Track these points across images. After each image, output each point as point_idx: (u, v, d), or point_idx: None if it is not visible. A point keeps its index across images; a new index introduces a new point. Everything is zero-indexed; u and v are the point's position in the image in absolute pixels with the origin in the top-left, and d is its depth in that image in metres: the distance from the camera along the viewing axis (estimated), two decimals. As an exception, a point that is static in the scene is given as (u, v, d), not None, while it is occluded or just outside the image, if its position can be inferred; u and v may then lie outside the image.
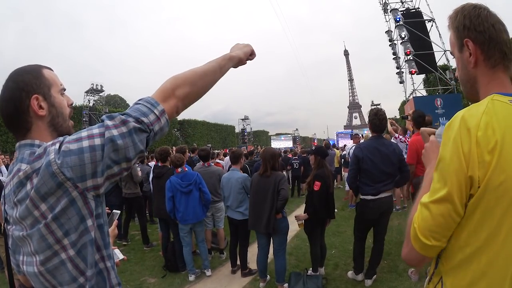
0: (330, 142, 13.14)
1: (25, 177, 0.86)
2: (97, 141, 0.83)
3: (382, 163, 3.66)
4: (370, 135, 4.08)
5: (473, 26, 0.97)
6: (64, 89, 1.09)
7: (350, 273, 4.12)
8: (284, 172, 9.84)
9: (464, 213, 0.88)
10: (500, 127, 0.85)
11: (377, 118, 3.79)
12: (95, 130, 0.85)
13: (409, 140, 4.79)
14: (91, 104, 24.37)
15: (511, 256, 0.85)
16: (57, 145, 0.84)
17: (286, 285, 3.90)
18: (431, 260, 0.99)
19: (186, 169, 4.51)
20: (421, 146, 4.34)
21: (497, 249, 0.86)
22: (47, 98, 1.00)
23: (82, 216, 0.86)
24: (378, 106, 26.27)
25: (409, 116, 5.34)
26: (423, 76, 17.83)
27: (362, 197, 3.82)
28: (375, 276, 3.91)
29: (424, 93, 18.07)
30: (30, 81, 0.98)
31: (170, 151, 5.23)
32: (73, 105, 1.11)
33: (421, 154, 4.58)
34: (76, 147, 0.82)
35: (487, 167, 0.83)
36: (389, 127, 5.88)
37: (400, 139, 5.46)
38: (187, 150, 5.84)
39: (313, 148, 6.58)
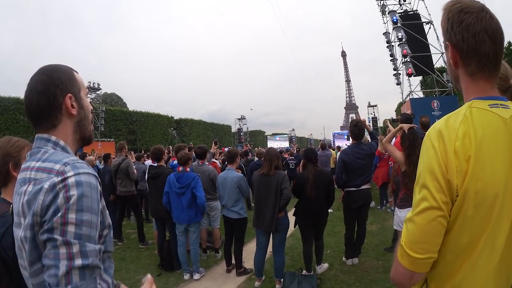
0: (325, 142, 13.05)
1: (28, 179, 0.91)
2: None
3: (363, 162, 4.43)
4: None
5: (453, 32, 0.95)
6: (88, 93, 1.12)
7: (343, 258, 4.68)
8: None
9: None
10: (476, 136, 0.86)
11: (357, 128, 4.51)
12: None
13: None
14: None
15: (490, 261, 0.87)
16: (54, 181, 0.85)
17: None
18: (421, 279, 0.96)
19: (188, 169, 4.46)
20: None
21: (477, 255, 0.87)
22: (77, 100, 1.04)
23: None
24: (374, 108, 26.35)
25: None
26: (420, 78, 17.92)
27: (346, 189, 4.51)
28: (360, 254, 4.72)
29: (421, 95, 18.18)
30: (65, 80, 1.01)
31: (164, 150, 5.21)
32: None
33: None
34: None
35: (464, 175, 0.84)
36: (391, 128, 5.94)
37: None
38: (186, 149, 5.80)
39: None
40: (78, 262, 0.80)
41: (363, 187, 4.46)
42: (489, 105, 0.92)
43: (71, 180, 0.85)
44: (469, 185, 0.83)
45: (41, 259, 0.84)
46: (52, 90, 0.97)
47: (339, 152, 8.46)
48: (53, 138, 0.98)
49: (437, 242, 0.88)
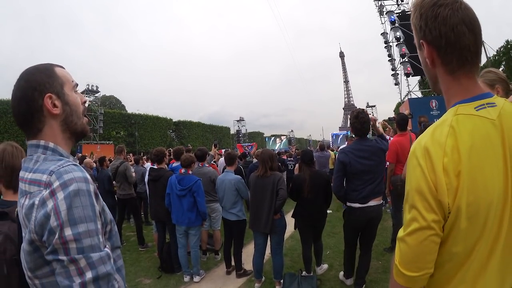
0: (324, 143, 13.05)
1: (24, 191, 0.92)
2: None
3: (370, 163, 3.41)
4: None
5: (428, 29, 0.89)
6: (77, 85, 1.10)
7: (341, 274, 4.11)
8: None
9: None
10: (465, 148, 0.82)
11: (358, 121, 3.46)
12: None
13: None
14: (86, 105, 24.18)
15: (487, 266, 0.85)
16: (43, 195, 0.85)
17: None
18: None
19: (190, 172, 4.44)
20: (401, 147, 4.16)
21: (471, 261, 0.85)
22: (60, 97, 1.00)
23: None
24: (373, 108, 26.32)
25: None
26: (418, 78, 17.96)
27: (349, 204, 3.53)
28: (364, 285, 3.71)
29: (419, 94, 18.22)
30: (43, 80, 0.98)
31: (166, 152, 5.21)
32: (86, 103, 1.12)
33: (401, 154, 4.40)
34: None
35: (455, 192, 0.81)
36: (381, 131, 5.92)
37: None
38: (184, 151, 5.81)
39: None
40: (89, 275, 0.82)
41: (371, 203, 3.38)
42: (475, 107, 0.87)
43: (60, 195, 0.84)
44: (460, 201, 0.80)
45: (47, 264, 0.87)
46: (30, 94, 0.96)
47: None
48: (42, 142, 0.97)
49: (431, 259, 0.87)
